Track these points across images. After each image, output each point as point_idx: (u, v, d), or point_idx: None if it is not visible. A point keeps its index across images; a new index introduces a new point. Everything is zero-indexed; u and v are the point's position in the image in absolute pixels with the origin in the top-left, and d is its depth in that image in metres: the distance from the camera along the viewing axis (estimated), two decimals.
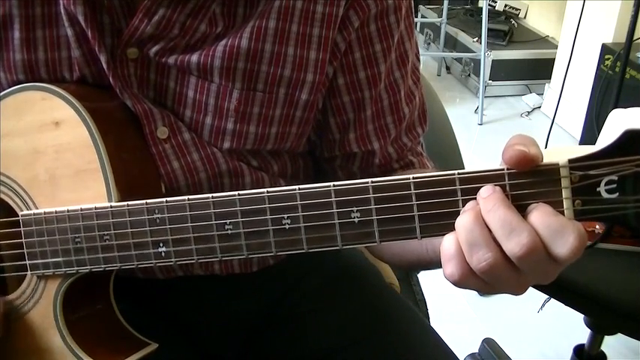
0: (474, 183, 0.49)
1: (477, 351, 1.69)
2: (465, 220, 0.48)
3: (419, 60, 0.78)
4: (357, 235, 0.52)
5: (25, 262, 0.65)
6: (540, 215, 0.46)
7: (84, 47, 0.65)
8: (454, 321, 1.91)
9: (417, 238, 0.51)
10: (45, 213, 0.63)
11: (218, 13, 0.66)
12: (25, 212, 0.64)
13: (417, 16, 4.24)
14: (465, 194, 0.49)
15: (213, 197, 0.55)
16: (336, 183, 0.52)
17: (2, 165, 0.66)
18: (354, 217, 0.52)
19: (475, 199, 0.49)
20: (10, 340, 0.67)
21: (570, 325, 1.71)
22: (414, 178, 0.50)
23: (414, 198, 0.50)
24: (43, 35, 0.66)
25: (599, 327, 1.23)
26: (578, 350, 1.31)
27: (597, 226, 1.05)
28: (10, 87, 0.67)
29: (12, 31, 0.66)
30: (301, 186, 0.53)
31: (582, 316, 1.19)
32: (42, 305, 0.66)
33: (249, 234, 0.55)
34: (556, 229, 0.45)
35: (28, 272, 0.65)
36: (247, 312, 0.82)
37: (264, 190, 0.54)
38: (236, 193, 0.54)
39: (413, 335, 0.81)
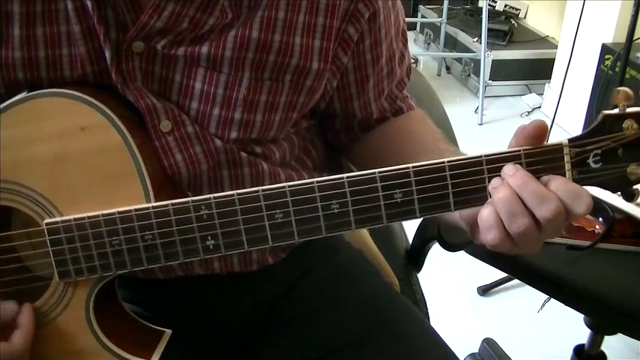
0: (497, 163, 0.59)
1: (477, 351, 1.69)
2: (502, 195, 0.57)
3: (404, 21, 0.83)
4: (399, 212, 0.60)
5: (51, 271, 0.64)
6: (560, 184, 0.57)
7: (89, 44, 0.65)
8: (454, 321, 1.90)
9: (451, 210, 0.60)
10: (75, 219, 0.61)
11: (226, 6, 0.66)
12: (50, 220, 0.62)
13: (417, 16, 4.24)
14: (490, 172, 0.59)
15: (262, 190, 0.59)
16: (380, 170, 0.59)
17: (19, 173, 0.64)
18: (397, 198, 0.59)
19: (498, 176, 0.58)
20: (38, 347, 0.66)
21: (570, 325, 1.70)
22: (448, 162, 0.58)
23: (448, 178, 0.59)
24: (43, 33, 0.65)
25: (599, 327, 1.23)
26: (578, 350, 1.31)
27: (597, 227, 1.05)
28: (7, 86, 0.66)
29: (12, 28, 0.65)
30: (348, 174, 0.59)
31: (582, 316, 1.19)
32: (71, 310, 0.65)
33: (300, 221, 0.60)
34: (574, 192, 0.56)
35: (55, 279, 0.64)
36: (247, 312, 0.82)
37: (313, 180, 0.59)
38: (285, 184, 0.59)
39: (413, 335, 0.81)
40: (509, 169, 0.58)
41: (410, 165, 0.58)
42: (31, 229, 0.65)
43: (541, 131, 0.59)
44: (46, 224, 0.62)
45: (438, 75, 3.84)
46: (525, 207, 0.57)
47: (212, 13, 0.65)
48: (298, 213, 0.60)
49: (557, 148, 0.59)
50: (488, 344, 1.68)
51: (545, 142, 0.59)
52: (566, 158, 0.59)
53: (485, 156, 0.59)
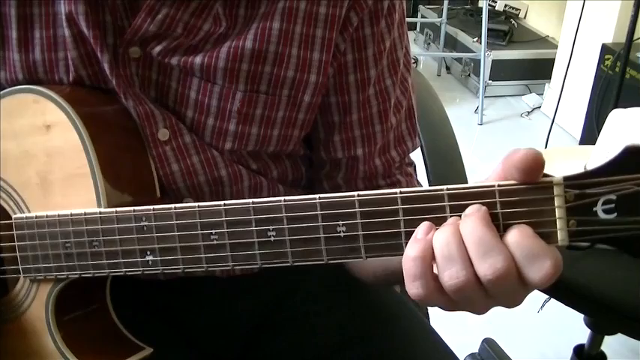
0: (463, 199, 0.47)
1: (477, 351, 1.69)
2: (443, 234, 0.46)
3: (409, 72, 0.77)
4: (342, 249, 0.50)
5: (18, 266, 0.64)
6: (518, 236, 0.45)
7: (81, 48, 0.65)
8: (454, 321, 1.90)
9: (402, 255, 0.49)
10: (37, 217, 0.62)
11: (221, 13, 0.65)
12: (18, 215, 0.64)
13: (417, 16, 4.25)
14: (453, 211, 0.47)
15: (199, 207, 0.54)
16: (322, 195, 0.50)
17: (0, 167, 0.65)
18: (340, 232, 0.50)
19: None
20: (4, 341, 0.67)
21: (570, 325, 1.70)
22: (401, 192, 0.48)
23: (401, 213, 0.48)
24: (40, 36, 0.65)
25: (599, 327, 1.23)
26: (578, 350, 1.32)
27: None
28: (10, 86, 0.67)
29: (9, 30, 0.65)
30: (287, 197, 0.51)
31: (582, 316, 1.19)
32: (35, 308, 0.65)
33: (235, 245, 0.54)
34: (532, 253, 0.44)
35: (21, 275, 0.65)
36: (247, 313, 0.82)
37: (250, 200, 0.52)
38: (222, 202, 0.53)
39: (413, 335, 0.81)
40: (470, 209, 0.46)
41: (356, 193, 0.49)
42: (3, 222, 0.66)
43: (533, 165, 0.43)
44: (14, 219, 0.64)
45: (438, 75, 3.85)
46: (469, 256, 0.46)
47: (206, 19, 0.65)
48: (233, 236, 0.53)
49: (545, 186, 0.44)
50: (489, 344, 1.67)
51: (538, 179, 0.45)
52: (558, 201, 0.44)
53: (448, 189, 0.47)
